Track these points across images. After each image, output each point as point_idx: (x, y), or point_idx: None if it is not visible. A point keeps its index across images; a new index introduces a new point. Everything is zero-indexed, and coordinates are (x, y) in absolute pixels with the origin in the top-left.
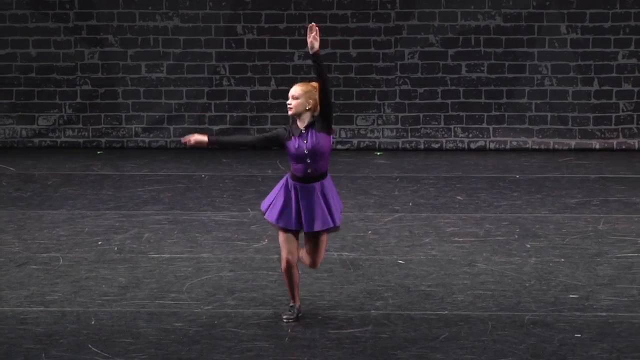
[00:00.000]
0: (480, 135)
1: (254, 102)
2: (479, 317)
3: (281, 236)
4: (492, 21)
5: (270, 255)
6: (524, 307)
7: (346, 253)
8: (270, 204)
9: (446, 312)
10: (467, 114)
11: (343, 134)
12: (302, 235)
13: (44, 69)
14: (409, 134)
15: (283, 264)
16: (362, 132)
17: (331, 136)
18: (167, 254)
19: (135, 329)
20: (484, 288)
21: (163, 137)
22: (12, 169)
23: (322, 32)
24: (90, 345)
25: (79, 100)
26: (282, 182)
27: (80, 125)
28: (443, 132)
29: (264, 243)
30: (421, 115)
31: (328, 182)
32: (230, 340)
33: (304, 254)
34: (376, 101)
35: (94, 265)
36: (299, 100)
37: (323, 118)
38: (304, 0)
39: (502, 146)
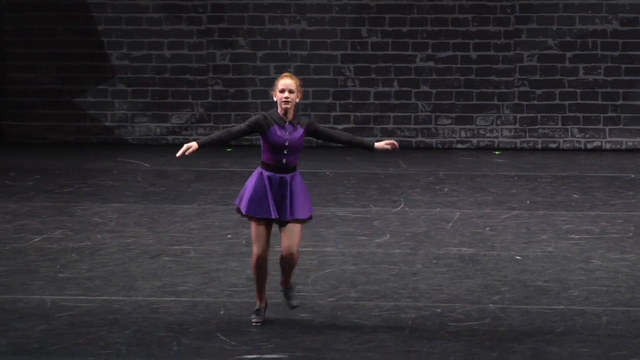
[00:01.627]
0: (597, 136)
1: (377, 102)
2: (593, 311)
3: (254, 230)
4: (609, 25)
5: (391, 250)
6: (638, 303)
7: (465, 249)
8: (245, 198)
9: (561, 306)
10: (584, 115)
11: (463, 134)
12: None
13: (177, 70)
14: (527, 134)
15: (254, 260)
16: (481, 132)
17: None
18: None
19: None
20: (599, 284)
21: None
22: (146, 165)
23: (443, 34)
24: (219, 334)
25: (210, 99)
26: (254, 175)
27: (212, 124)
28: (560, 133)
29: (385, 238)
30: (539, 116)
31: (298, 176)
32: (353, 331)
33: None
34: (495, 102)
35: (223, 258)
36: (294, 95)
37: (318, 133)
38: (426, 5)
39: (618, 146)
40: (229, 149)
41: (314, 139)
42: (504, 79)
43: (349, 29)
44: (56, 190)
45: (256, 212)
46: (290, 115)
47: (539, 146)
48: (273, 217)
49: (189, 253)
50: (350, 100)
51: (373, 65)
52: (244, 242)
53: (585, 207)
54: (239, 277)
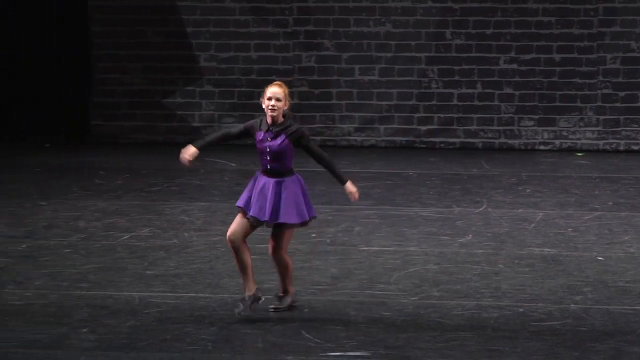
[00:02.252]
0: None
1: (460, 104)
2: None
3: (237, 218)
4: None
5: (474, 250)
6: None
7: (547, 249)
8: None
9: None
10: None
11: (546, 135)
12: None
13: (263, 72)
14: (610, 136)
15: (227, 241)
16: (564, 133)
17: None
18: (376, 246)
19: (345, 317)
20: None
21: (374, 136)
22: (233, 164)
23: (527, 37)
24: (303, 332)
25: (295, 100)
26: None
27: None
28: None
29: (468, 238)
30: (622, 118)
31: (290, 181)
32: (435, 330)
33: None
34: (578, 104)
35: (307, 256)
36: (280, 103)
37: (301, 146)
38: (510, 7)
39: None
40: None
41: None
42: (587, 81)
43: (433, 31)
44: (144, 189)
45: (246, 207)
46: (276, 124)
47: (622, 148)
48: (250, 214)
49: None
50: (434, 102)
51: (457, 67)
52: (328, 241)
53: None
54: (323, 275)
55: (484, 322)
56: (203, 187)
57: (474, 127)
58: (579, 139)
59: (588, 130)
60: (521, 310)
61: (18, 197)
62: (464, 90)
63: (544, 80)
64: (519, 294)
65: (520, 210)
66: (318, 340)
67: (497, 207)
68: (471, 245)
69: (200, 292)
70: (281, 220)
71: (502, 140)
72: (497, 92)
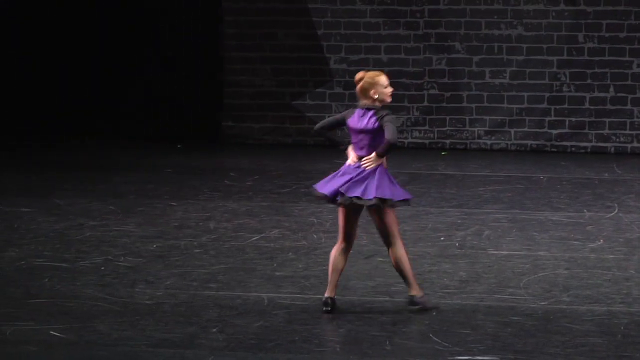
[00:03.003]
0: None
1: (592, 107)
2: None
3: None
4: None
5: (605, 255)
6: None
7: None
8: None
9: None
10: None
11: None
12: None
13: (394, 74)
14: None
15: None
16: None
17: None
18: (506, 250)
19: (474, 321)
20: None
21: (504, 139)
22: None
23: None
24: (431, 335)
25: (425, 103)
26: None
27: (427, 127)
28: None
29: (599, 243)
30: None
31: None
32: (565, 335)
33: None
34: None
35: (436, 259)
36: None
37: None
38: None
39: None
40: (443, 152)
41: None
42: None
43: (566, 34)
44: (274, 190)
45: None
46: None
47: None
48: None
49: None
50: (566, 106)
51: (589, 71)
52: (456, 244)
53: None
54: (452, 279)
55: (614, 328)
56: None
57: (606, 131)
58: None
59: None
60: None
61: (150, 197)
62: (596, 94)
63: None
64: None
65: None
66: (446, 344)
67: (628, 212)
68: (602, 251)
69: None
70: (361, 194)
71: (635, 144)
72: (630, 96)
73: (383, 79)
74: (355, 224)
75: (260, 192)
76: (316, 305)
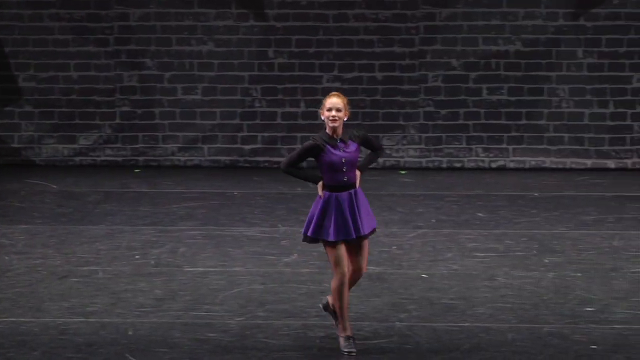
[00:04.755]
0: (500, 155)
1: (284, 122)
2: (499, 328)
3: (333, 252)
4: (512, 46)
5: (299, 269)
6: (542, 320)
7: (372, 267)
8: (317, 226)
9: (467, 324)
10: (488, 135)
11: None
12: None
13: (84, 91)
14: (432, 154)
15: (338, 283)
16: (387, 151)
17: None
18: (201, 267)
19: (170, 339)
20: (504, 301)
21: (197, 156)
22: (54, 186)
23: (350, 55)
24: (127, 355)
25: (118, 120)
26: (320, 202)
27: (119, 145)
28: (465, 152)
29: (293, 257)
30: (444, 135)
31: (360, 191)
32: (262, 350)
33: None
34: (401, 122)
35: (131, 278)
36: (341, 113)
37: (367, 142)
38: (331, 26)
39: (521, 165)
40: (136, 170)
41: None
42: (409, 99)
43: (256, 50)
44: None
45: (345, 235)
46: (339, 134)
47: (444, 165)
48: (354, 236)
49: (97, 274)
50: (258, 121)
51: (280, 86)
52: (152, 262)
53: (490, 226)
54: (147, 297)
55: (309, 341)
56: (24, 209)
57: (297, 145)
58: (402, 156)
59: (411, 148)
60: None
61: None
62: (287, 109)
63: (367, 98)
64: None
65: None
66: None
67: None
68: (296, 265)
69: (22, 317)
70: (367, 231)
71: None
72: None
73: (327, 101)
74: None
75: None
76: (9, 328)
